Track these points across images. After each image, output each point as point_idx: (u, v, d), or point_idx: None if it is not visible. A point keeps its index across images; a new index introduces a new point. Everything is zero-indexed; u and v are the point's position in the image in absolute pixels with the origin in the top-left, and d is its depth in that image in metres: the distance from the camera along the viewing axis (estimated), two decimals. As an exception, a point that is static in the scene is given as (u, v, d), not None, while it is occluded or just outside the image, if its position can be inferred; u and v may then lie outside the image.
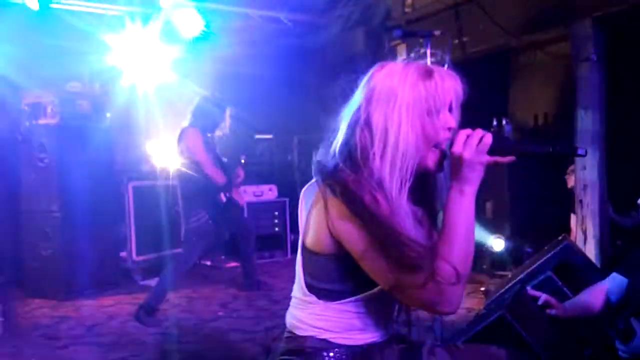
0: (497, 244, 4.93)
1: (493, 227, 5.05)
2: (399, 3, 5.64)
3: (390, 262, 1.16)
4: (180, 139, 4.04)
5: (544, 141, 1.20)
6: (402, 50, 5.38)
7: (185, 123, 4.07)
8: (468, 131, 1.22)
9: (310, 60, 6.40)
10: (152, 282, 4.96)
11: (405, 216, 1.20)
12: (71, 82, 4.93)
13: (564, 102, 5.05)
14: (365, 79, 1.30)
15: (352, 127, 1.27)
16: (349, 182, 1.21)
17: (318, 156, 1.33)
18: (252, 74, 6.15)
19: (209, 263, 5.88)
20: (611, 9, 3.86)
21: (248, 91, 6.10)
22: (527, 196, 5.03)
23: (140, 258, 5.14)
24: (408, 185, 1.21)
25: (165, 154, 5.69)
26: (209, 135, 4.15)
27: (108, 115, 4.96)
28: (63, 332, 3.68)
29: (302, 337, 1.35)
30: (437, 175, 1.34)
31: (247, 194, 6.04)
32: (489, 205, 5.17)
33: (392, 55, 5.33)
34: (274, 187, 6.23)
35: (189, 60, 5.53)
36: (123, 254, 5.08)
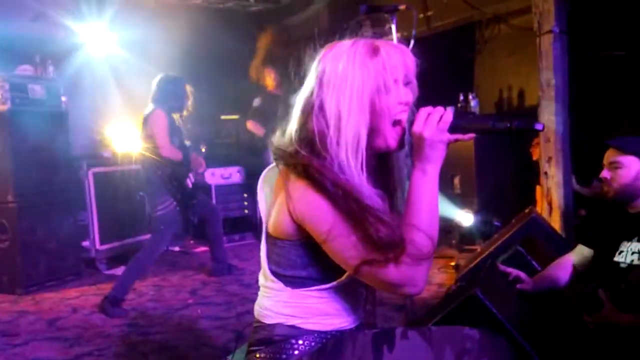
0: (465, 218, 4.97)
1: (461, 201, 5.08)
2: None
3: (360, 239, 1.14)
4: (146, 122, 3.91)
5: (505, 117, 1.18)
6: (366, 25, 5.30)
7: (150, 106, 3.92)
8: (428, 109, 1.20)
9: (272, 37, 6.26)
10: (118, 271, 4.85)
11: (369, 198, 1.17)
12: (22, 65, 4.68)
13: (528, 75, 5.08)
14: (315, 61, 1.27)
15: (306, 113, 1.24)
16: (313, 163, 1.18)
17: (276, 141, 1.30)
18: (214, 51, 5.98)
19: (177, 249, 5.77)
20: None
21: (211, 70, 5.94)
22: (494, 170, 5.07)
23: (104, 247, 5.00)
24: (367, 167, 1.20)
25: (126, 137, 5.52)
26: (175, 117, 4.03)
27: (63, 99, 4.74)
28: (23, 327, 3.54)
29: (270, 325, 1.32)
30: (396, 154, 1.33)
31: (215, 177, 5.94)
32: (456, 180, 5.20)
33: (358, 31, 5.24)
34: (241, 169, 6.14)
35: (147, 38, 5.33)
36: (85, 243, 4.93)
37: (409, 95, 1.25)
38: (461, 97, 5.32)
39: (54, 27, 4.86)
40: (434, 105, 1.20)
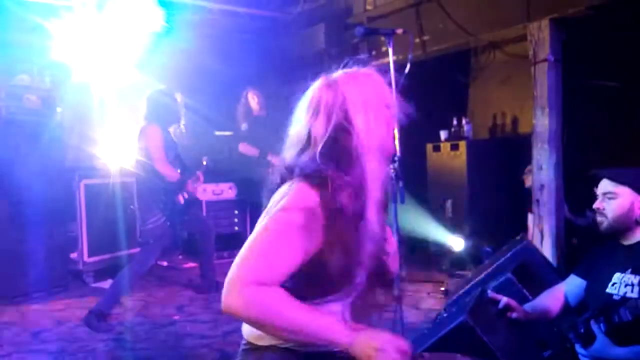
0: (456, 243, 4.96)
1: (453, 226, 5.08)
2: (360, 0, 5.61)
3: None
4: (141, 137, 3.89)
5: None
6: (363, 48, 5.35)
7: (143, 121, 3.92)
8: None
9: (270, 57, 6.30)
10: (105, 284, 4.79)
11: (376, 215, 1.31)
12: (19, 75, 4.68)
13: (522, 102, 5.13)
14: (325, 84, 1.38)
15: (332, 134, 1.33)
16: (337, 176, 1.29)
17: (287, 161, 1.37)
18: (211, 68, 5.99)
19: (165, 264, 5.72)
20: (568, 10, 3.92)
21: (207, 86, 5.95)
22: (486, 195, 5.08)
23: (93, 259, 4.94)
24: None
25: (119, 150, 5.50)
26: (170, 131, 4.03)
27: (59, 110, 4.73)
28: (7, 339, 3.48)
29: (262, 347, 1.31)
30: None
31: (207, 193, 5.91)
32: (448, 205, 5.20)
33: (354, 53, 5.29)
34: (233, 186, 6.11)
35: (145, 53, 5.34)
36: (74, 255, 4.87)
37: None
38: (454, 122, 5.36)
39: (50, 38, 4.86)
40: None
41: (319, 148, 1.32)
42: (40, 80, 4.74)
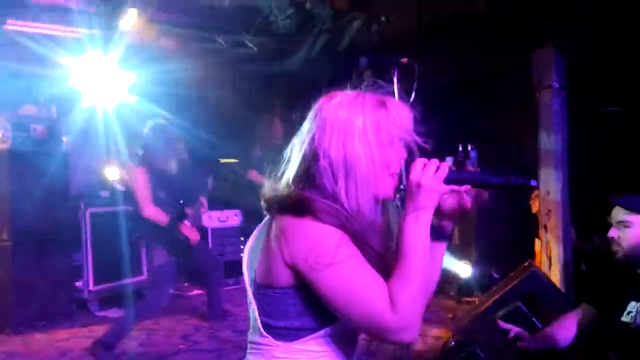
0: (463, 269, 4.92)
1: (460, 252, 5.04)
2: (364, 29, 5.67)
3: (362, 279, 1.15)
4: (130, 177, 3.90)
5: (502, 172, 1.21)
6: (368, 76, 5.38)
7: (136, 158, 3.90)
8: (424, 160, 1.23)
9: (275, 85, 6.37)
10: (110, 313, 4.76)
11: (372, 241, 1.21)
12: (26, 105, 4.74)
13: (527, 129, 5.13)
14: (314, 109, 1.30)
15: (307, 159, 1.25)
16: (314, 198, 1.20)
17: (267, 193, 1.29)
18: (217, 97, 6.06)
19: (171, 291, 5.66)
20: (571, 37, 3.94)
21: (213, 115, 6.01)
22: (494, 221, 5.05)
23: (98, 288, 4.92)
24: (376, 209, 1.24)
25: (126, 178, 5.52)
26: (171, 164, 3.95)
27: (65, 139, 4.76)
28: (10, 370, 3.45)
29: None
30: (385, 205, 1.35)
31: (212, 220, 5.91)
32: (455, 231, 5.16)
33: (359, 82, 5.32)
34: (239, 212, 6.11)
35: (151, 82, 5.41)
36: (79, 283, 4.85)
37: (404, 152, 1.29)
38: (460, 149, 5.36)
39: (57, 68, 4.93)
40: (431, 157, 1.24)
41: (292, 174, 1.27)
42: (46, 109, 4.79)
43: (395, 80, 2.85)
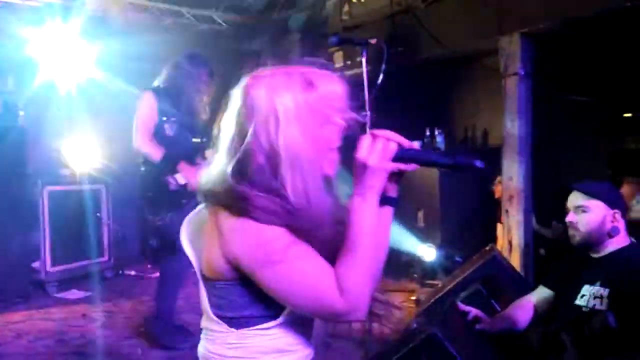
0: (428, 252, 4.97)
1: (424, 235, 5.09)
2: (336, 10, 5.62)
3: (310, 269, 1.13)
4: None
5: (450, 152, 1.20)
6: (339, 57, 5.34)
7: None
8: (371, 136, 1.18)
9: (244, 63, 6.25)
10: (68, 294, 4.65)
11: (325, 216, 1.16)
12: (-20, 77, 4.53)
13: (494, 114, 5.18)
14: (240, 94, 1.20)
15: (244, 152, 1.16)
16: (253, 196, 1.13)
17: (204, 184, 1.22)
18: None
19: (133, 273, 5.58)
20: (538, 25, 3.97)
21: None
22: (458, 205, 5.11)
23: (56, 268, 4.78)
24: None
25: (87, 156, 5.36)
26: (203, 100, 3.52)
27: (21, 113, 4.58)
28: (-39, 353, 3.33)
29: None
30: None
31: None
32: (420, 214, 5.21)
33: (328, 62, 5.27)
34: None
35: (115, 56, 5.22)
36: (36, 264, 4.70)
37: (342, 123, 1.21)
38: (427, 132, 5.39)
39: (15, 39, 4.71)
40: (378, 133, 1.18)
41: (226, 163, 1.17)
42: (3, 82, 4.59)
43: (364, 61, 2.81)
